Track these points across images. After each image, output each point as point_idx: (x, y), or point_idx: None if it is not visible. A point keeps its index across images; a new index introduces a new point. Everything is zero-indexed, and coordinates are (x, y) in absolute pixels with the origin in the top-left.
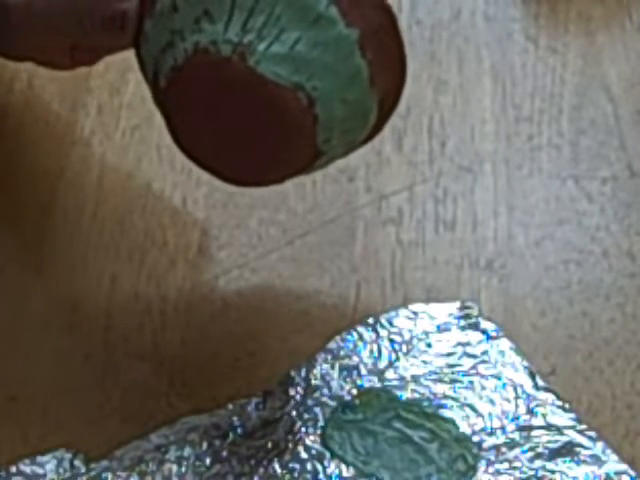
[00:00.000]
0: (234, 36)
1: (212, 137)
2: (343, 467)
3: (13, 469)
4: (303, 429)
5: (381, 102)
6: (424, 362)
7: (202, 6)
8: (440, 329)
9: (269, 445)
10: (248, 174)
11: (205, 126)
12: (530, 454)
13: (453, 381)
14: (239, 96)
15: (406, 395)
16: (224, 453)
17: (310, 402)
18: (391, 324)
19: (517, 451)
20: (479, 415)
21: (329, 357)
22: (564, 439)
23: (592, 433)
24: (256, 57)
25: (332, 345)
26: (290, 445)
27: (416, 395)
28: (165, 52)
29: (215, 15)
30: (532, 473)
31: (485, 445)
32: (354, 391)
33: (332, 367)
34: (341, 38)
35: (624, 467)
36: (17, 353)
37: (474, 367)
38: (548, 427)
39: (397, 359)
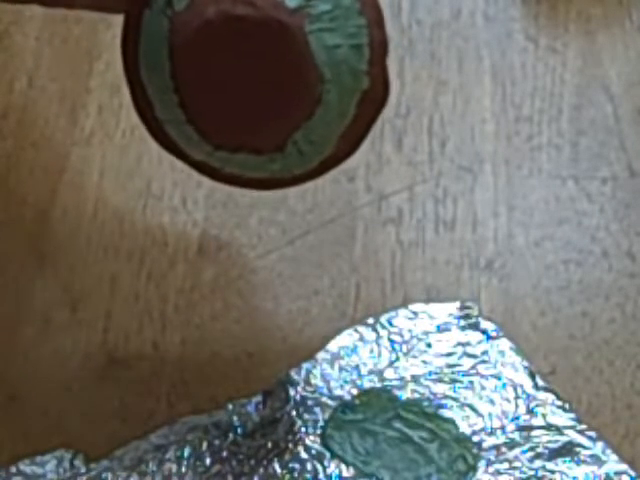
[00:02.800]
0: (301, 0)
1: (211, 68)
2: (343, 467)
3: (13, 469)
4: (303, 429)
5: (329, 157)
6: (424, 362)
7: None
8: (440, 329)
9: (269, 445)
10: (214, 120)
11: (212, 63)
12: (530, 454)
13: (453, 381)
14: (273, 47)
15: (406, 395)
16: (224, 453)
17: (310, 402)
18: (391, 324)
19: (517, 451)
20: (479, 415)
21: (329, 357)
22: (564, 439)
23: (592, 433)
24: (312, 27)
25: (332, 345)
26: (290, 445)
27: (416, 395)
28: None
29: None
30: (532, 473)
31: (485, 445)
32: (354, 391)
33: (332, 367)
34: (358, 77)
35: (624, 467)
36: (17, 353)
37: (474, 367)
38: (548, 427)
39: (397, 359)
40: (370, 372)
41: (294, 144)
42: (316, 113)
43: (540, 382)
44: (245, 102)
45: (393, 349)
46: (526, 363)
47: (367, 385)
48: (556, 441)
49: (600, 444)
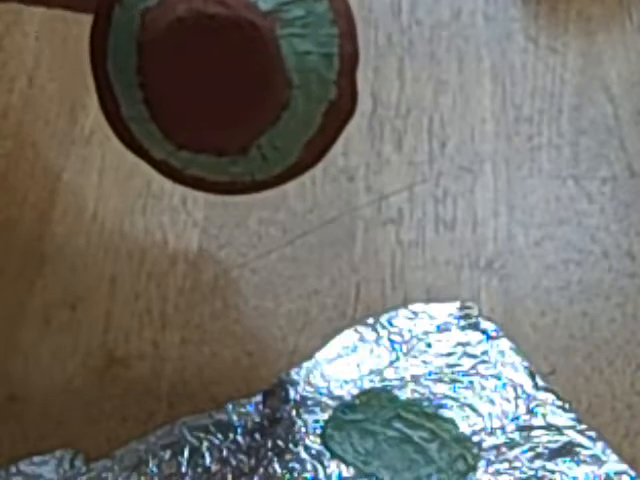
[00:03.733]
0: (274, 4)
1: (177, 65)
2: (343, 467)
3: (13, 469)
4: (303, 429)
5: (294, 166)
6: (424, 362)
7: None
8: (440, 329)
9: (269, 445)
10: (178, 118)
11: (180, 61)
12: (530, 454)
13: (453, 381)
14: (243, 48)
15: (406, 395)
16: (224, 453)
17: (310, 402)
18: (391, 324)
19: (517, 451)
20: (479, 415)
21: (329, 357)
22: (564, 439)
23: (592, 433)
24: (283, 32)
25: (332, 345)
26: (290, 445)
27: (416, 395)
28: None
29: None
30: (532, 473)
31: (485, 445)
32: (354, 391)
33: (332, 367)
34: (327, 86)
35: (624, 467)
36: (17, 353)
37: (474, 367)
38: (548, 427)
39: (397, 359)
40: (370, 372)
41: (258, 148)
42: (282, 118)
43: (540, 382)
44: (211, 102)
45: (393, 349)
46: (526, 363)
47: (367, 385)
48: (556, 441)
49: (600, 444)
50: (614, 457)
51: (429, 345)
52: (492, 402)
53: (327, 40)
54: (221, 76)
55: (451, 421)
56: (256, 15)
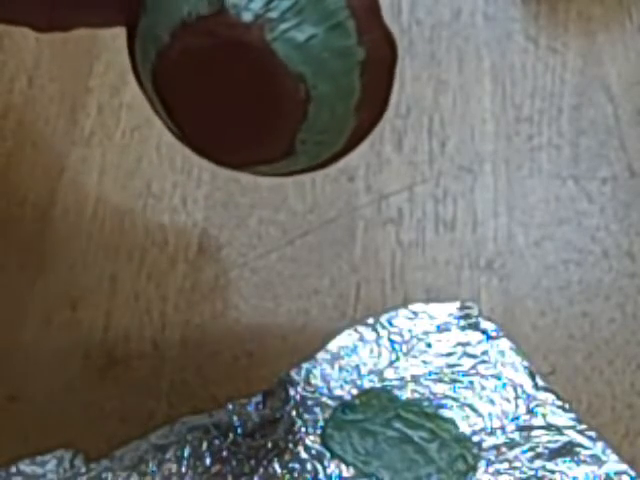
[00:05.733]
0: (258, 8)
1: (198, 101)
2: (343, 467)
3: (13, 469)
4: (303, 429)
5: (355, 131)
6: (424, 362)
7: None
8: (440, 329)
9: (269, 445)
10: (220, 148)
11: (196, 90)
12: (530, 454)
13: (453, 381)
14: (243, 67)
15: (406, 395)
16: (224, 453)
17: (310, 402)
18: (391, 324)
19: (517, 451)
20: (479, 415)
21: (329, 357)
22: (564, 439)
23: (592, 433)
24: (275, 34)
25: (332, 345)
26: (290, 445)
27: (416, 395)
28: (178, 3)
29: None
30: (532, 473)
31: (485, 445)
32: (354, 391)
33: (332, 367)
34: (349, 52)
35: (624, 467)
36: (17, 353)
37: (474, 367)
38: (548, 427)
39: (397, 359)
40: (370, 372)
41: (303, 143)
42: (310, 111)
43: (540, 382)
44: (233, 124)
45: (393, 349)
46: (526, 363)
47: (367, 385)
48: (556, 441)
49: (600, 444)
50: (614, 457)
51: (429, 345)
52: (492, 402)
53: (332, 10)
54: (231, 98)
55: (451, 421)
56: (240, 31)
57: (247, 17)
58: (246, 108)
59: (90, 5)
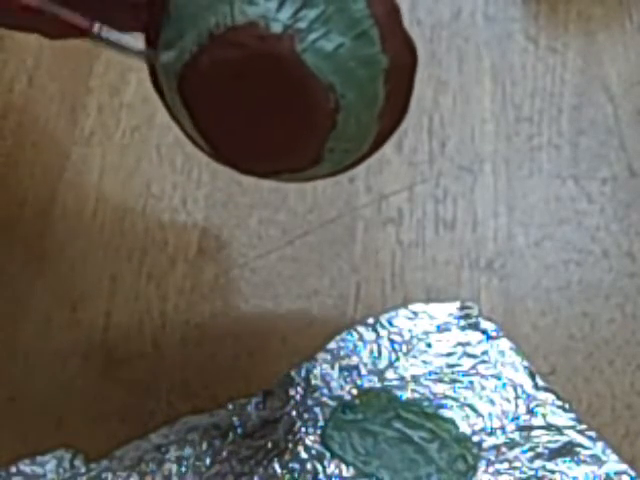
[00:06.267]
0: (286, 19)
1: (226, 112)
2: (343, 467)
3: (13, 469)
4: (303, 429)
5: (377, 137)
6: (424, 362)
7: None
8: (440, 329)
9: (269, 445)
10: (248, 158)
11: (224, 101)
12: (530, 454)
13: (453, 381)
14: (273, 78)
15: (406, 395)
16: (224, 453)
17: (310, 402)
18: (391, 324)
19: (517, 451)
20: (479, 415)
21: (329, 357)
22: (564, 439)
23: (592, 433)
24: (305, 45)
25: (332, 345)
26: (290, 445)
27: (416, 395)
28: (204, 15)
29: None
30: (532, 473)
31: (485, 445)
32: (354, 391)
33: (332, 367)
34: (374, 60)
35: (624, 467)
36: (17, 353)
37: (474, 367)
38: (548, 427)
39: (397, 359)
40: (370, 372)
41: (330, 151)
42: (339, 120)
43: (540, 382)
44: (263, 135)
45: (393, 349)
46: (526, 363)
47: (367, 385)
48: (556, 441)
49: (600, 444)
50: (614, 457)
51: (429, 345)
52: (492, 402)
53: (357, 18)
54: (260, 108)
55: (451, 421)
56: (271, 43)
57: (277, 28)
58: (276, 119)
59: (106, 11)
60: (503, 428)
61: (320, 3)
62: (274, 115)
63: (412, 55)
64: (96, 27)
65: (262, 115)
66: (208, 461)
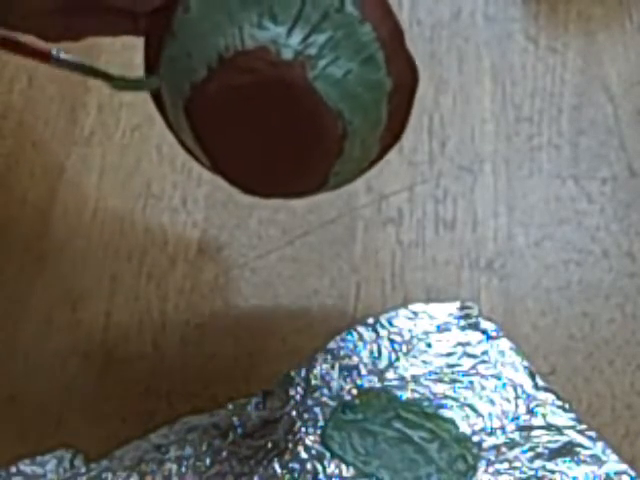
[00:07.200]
0: (296, 44)
1: (234, 135)
2: (343, 467)
3: (13, 469)
4: (303, 429)
5: (377, 155)
6: (424, 362)
7: (268, 3)
8: (440, 329)
9: (269, 445)
10: (254, 182)
11: (232, 125)
12: (530, 454)
13: (453, 381)
14: (283, 104)
15: (406, 395)
16: (224, 453)
17: (310, 402)
18: (391, 324)
19: (517, 451)
20: (479, 415)
21: (329, 357)
22: (564, 439)
23: (592, 433)
24: (316, 72)
25: (332, 345)
26: (290, 445)
27: (416, 395)
28: (212, 36)
29: (280, 17)
30: (532, 473)
31: (485, 445)
32: (354, 391)
33: (332, 367)
34: (379, 84)
35: (624, 467)
36: (17, 353)
37: (474, 367)
38: (548, 427)
39: (397, 359)
40: (370, 372)
41: (336, 175)
42: (345, 146)
43: (540, 382)
44: (270, 160)
45: (393, 349)
46: (526, 363)
47: (367, 385)
48: (556, 441)
49: (600, 444)
50: (614, 457)
51: (429, 345)
52: (492, 402)
53: (364, 42)
54: (268, 133)
55: (451, 421)
56: (282, 69)
57: (288, 54)
58: (284, 144)
59: (103, 15)
60: (503, 428)
61: (329, 28)
62: (282, 141)
63: (414, 74)
64: (54, 51)
65: (269, 140)
66: (208, 461)
